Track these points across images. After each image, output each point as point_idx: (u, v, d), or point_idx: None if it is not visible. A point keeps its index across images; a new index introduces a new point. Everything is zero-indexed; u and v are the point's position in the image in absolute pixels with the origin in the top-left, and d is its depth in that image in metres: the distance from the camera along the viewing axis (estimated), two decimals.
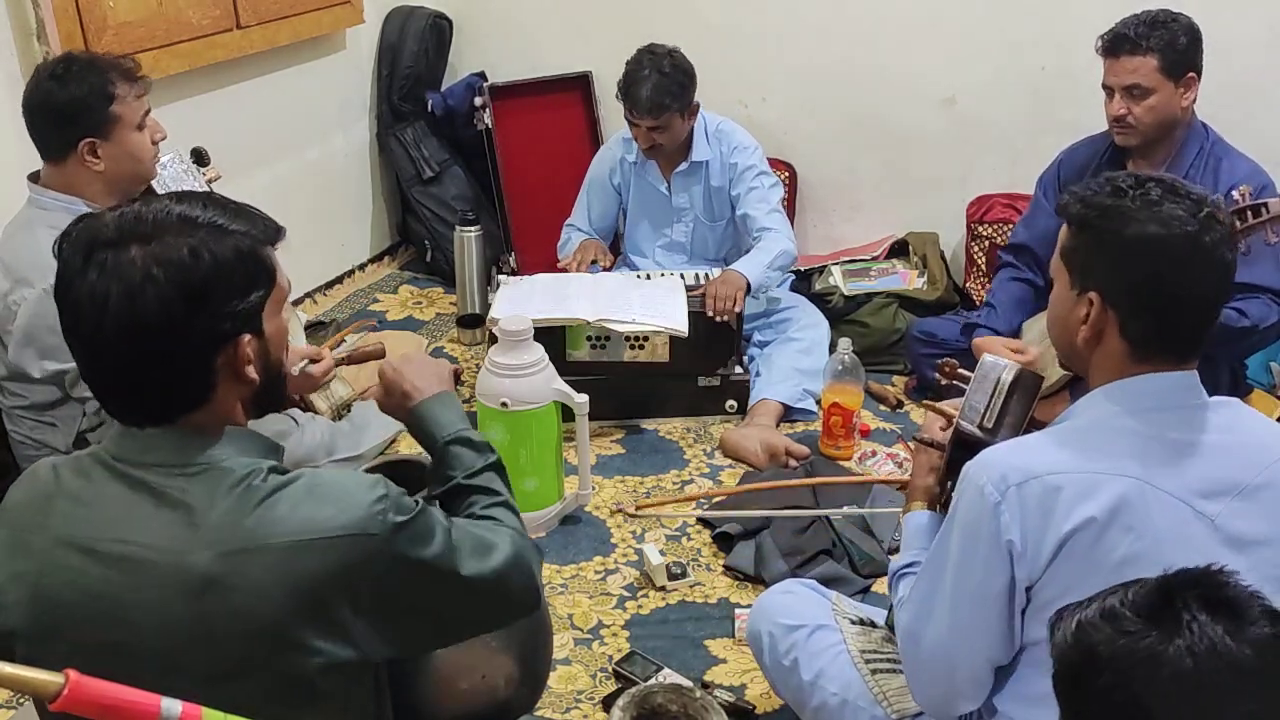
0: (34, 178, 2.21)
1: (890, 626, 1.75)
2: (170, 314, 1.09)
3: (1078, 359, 1.46)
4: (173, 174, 2.42)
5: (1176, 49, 2.50)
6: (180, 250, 1.10)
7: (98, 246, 1.10)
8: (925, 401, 1.97)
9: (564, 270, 3.24)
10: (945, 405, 1.77)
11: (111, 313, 1.08)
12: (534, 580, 1.30)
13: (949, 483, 1.67)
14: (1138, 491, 1.32)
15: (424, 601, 1.20)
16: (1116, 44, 2.54)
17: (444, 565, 1.19)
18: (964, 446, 1.59)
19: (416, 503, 1.19)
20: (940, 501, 1.71)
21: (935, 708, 1.54)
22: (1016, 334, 2.84)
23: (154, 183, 2.32)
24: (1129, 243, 1.35)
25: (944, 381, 1.88)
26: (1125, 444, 1.35)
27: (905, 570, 1.62)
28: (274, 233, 1.21)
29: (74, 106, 2.12)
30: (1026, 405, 1.63)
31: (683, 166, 3.23)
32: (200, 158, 2.57)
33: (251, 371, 1.17)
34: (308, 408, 2.55)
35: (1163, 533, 1.32)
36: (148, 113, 2.23)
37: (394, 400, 1.49)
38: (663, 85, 3.01)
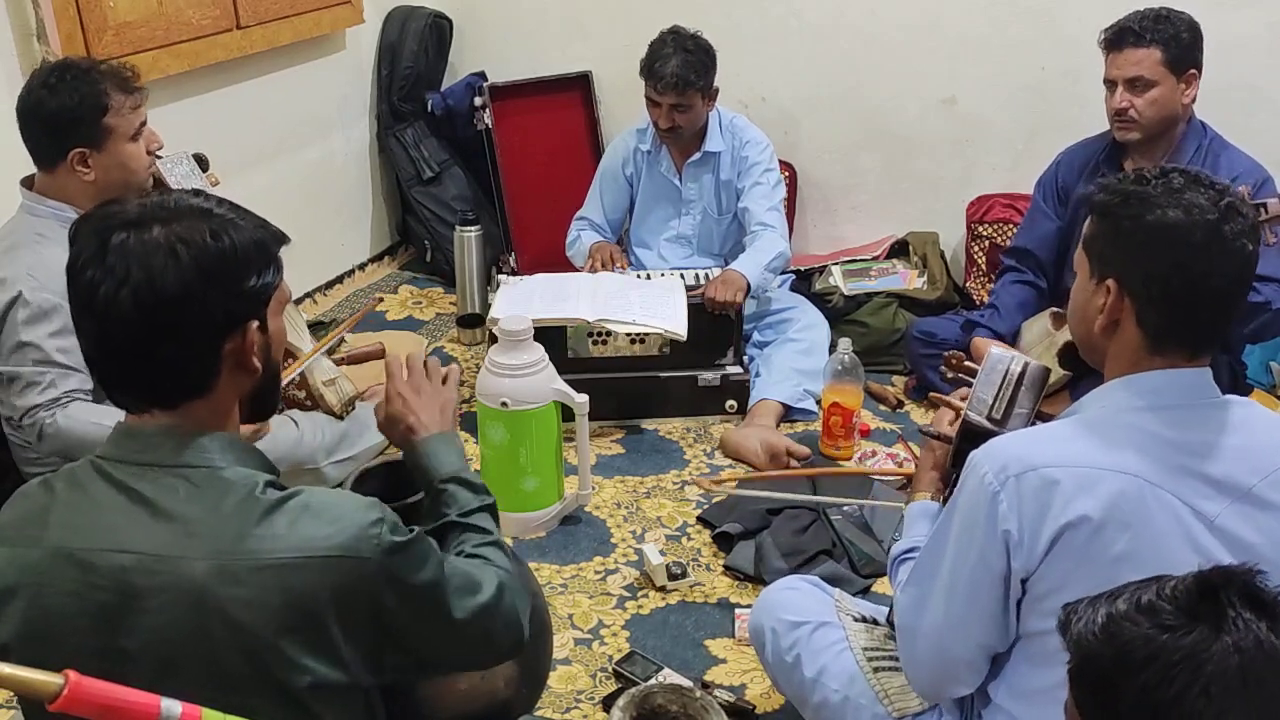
0: (28, 182, 2.20)
1: (892, 624, 1.75)
2: (188, 290, 1.11)
3: (1095, 350, 1.45)
4: (183, 172, 2.42)
5: (1180, 43, 2.53)
6: (202, 232, 1.14)
7: (117, 227, 1.12)
8: (933, 394, 1.98)
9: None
10: (953, 399, 1.78)
11: (131, 286, 1.10)
12: (518, 623, 1.30)
13: (954, 474, 1.67)
14: (1136, 489, 1.32)
15: (411, 630, 1.20)
16: (1120, 37, 2.57)
17: (433, 595, 1.20)
18: (971, 438, 1.60)
19: (411, 530, 1.20)
20: (945, 494, 1.71)
21: (930, 690, 1.55)
22: (1017, 335, 2.85)
23: (167, 180, 2.32)
24: (1149, 229, 1.34)
25: (950, 374, 1.89)
26: (1130, 439, 1.35)
27: (906, 555, 1.63)
28: (281, 236, 1.24)
29: (64, 116, 2.08)
30: (1035, 397, 1.64)
31: (696, 156, 3.24)
32: (200, 163, 2.57)
33: (256, 361, 1.19)
34: (315, 404, 2.57)
35: (1159, 531, 1.32)
36: (144, 123, 2.19)
37: (397, 431, 1.49)
38: (688, 62, 3.03)
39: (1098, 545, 1.32)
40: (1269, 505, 1.34)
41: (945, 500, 1.70)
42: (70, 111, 2.08)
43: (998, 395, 1.63)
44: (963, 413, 1.66)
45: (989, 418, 1.63)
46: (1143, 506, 1.32)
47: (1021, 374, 1.63)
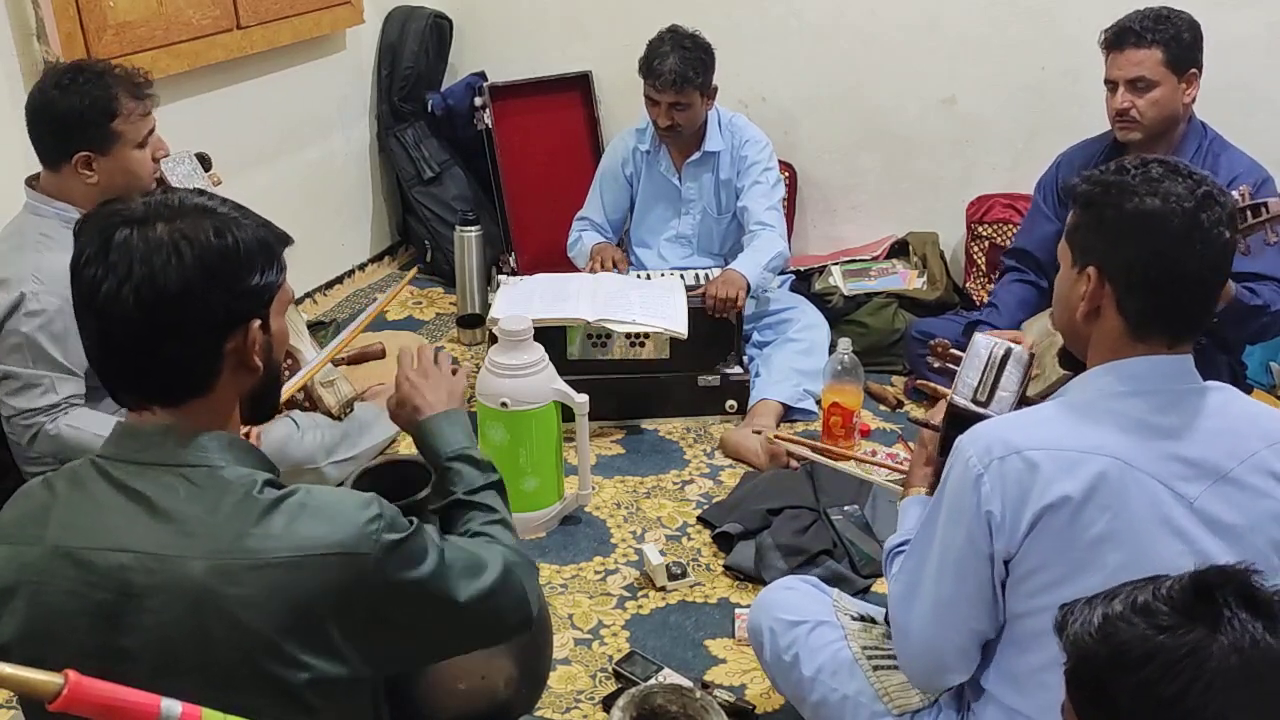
0: (32, 181, 2.20)
1: (890, 623, 1.76)
2: (190, 288, 1.12)
3: (1078, 338, 1.48)
4: (185, 171, 2.42)
5: (1181, 43, 2.52)
6: (205, 230, 1.14)
7: (121, 224, 1.13)
8: (920, 382, 1.99)
9: None
10: (941, 388, 1.80)
11: (133, 283, 1.10)
12: (525, 600, 1.31)
13: (944, 463, 1.69)
14: (1117, 471, 1.34)
15: (414, 622, 1.20)
16: (1121, 37, 2.56)
17: (435, 586, 1.20)
18: (957, 423, 1.61)
19: (410, 522, 1.20)
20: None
21: (923, 680, 1.56)
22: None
23: (169, 179, 2.32)
24: (1127, 217, 1.37)
25: (937, 364, 1.90)
26: (1111, 423, 1.37)
27: (898, 549, 1.64)
28: (285, 237, 1.25)
29: (73, 117, 2.08)
30: (1019, 378, 1.66)
31: (695, 156, 3.24)
32: (203, 163, 2.57)
33: (257, 360, 1.19)
34: (314, 405, 2.57)
35: (1138, 513, 1.33)
36: (152, 130, 2.19)
37: (404, 412, 1.54)
38: (686, 59, 3.03)
39: (1077, 527, 1.34)
40: (1247, 488, 1.36)
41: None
42: (79, 113, 2.08)
43: (981, 378, 1.67)
44: (949, 397, 1.68)
45: (974, 400, 1.66)
46: (1122, 489, 1.34)
47: (1005, 356, 1.66)
